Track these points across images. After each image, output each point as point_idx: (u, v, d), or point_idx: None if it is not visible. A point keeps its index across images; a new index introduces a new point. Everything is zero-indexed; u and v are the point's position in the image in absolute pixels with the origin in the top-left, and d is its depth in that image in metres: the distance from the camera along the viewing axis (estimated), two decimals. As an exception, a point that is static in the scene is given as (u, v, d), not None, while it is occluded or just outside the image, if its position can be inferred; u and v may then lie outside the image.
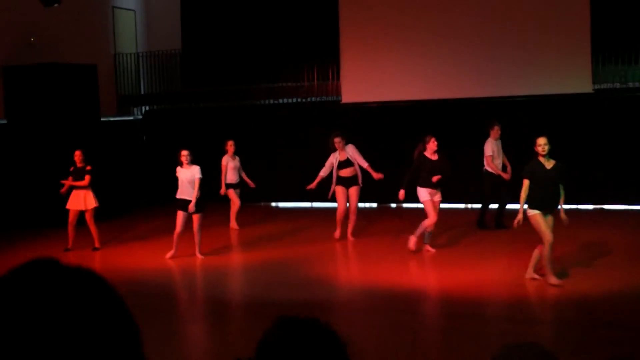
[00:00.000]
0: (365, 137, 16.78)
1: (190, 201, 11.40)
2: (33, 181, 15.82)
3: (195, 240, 11.50)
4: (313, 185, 12.62)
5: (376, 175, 12.32)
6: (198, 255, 11.53)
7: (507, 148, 15.71)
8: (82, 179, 12.63)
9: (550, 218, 9.14)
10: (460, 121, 16.60)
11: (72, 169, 12.83)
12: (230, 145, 14.29)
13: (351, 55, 17.22)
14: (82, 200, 12.64)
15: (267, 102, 19.28)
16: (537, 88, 15.84)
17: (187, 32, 20.06)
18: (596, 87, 15.87)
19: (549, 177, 9.20)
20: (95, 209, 12.71)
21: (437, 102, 16.58)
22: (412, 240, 11.34)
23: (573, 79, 15.61)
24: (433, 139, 11.36)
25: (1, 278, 1.28)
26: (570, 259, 10.80)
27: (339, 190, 12.48)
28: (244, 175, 14.30)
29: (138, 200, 18.26)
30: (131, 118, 20.37)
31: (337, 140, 12.41)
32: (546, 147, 9.21)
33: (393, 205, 17.06)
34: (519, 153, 15.92)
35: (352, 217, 12.61)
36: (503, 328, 7.92)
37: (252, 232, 14.18)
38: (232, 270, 11.41)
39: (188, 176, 11.54)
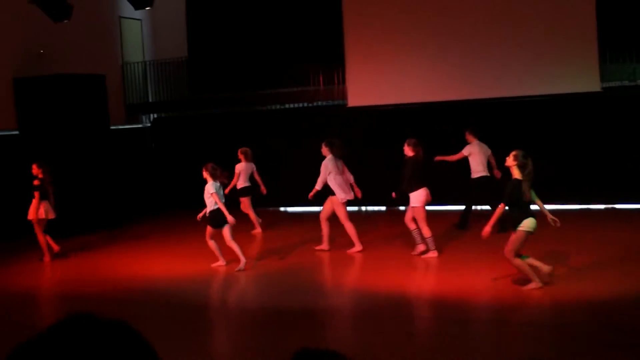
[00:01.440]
0: (372, 140, 16.88)
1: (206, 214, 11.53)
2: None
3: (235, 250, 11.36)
4: (310, 195, 12.44)
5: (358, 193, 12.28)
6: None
7: (514, 148, 15.68)
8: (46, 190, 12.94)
9: None
10: (467, 123, 16.61)
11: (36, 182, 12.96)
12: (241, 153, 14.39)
13: (356, 59, 17.27)
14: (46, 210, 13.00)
15: (273, 107, 19.35)
16: (545, 87, 15.84)
17: (193, 40, 20.17)
18: (604, 85, 15.84)
19: None
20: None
21: (444, 104, 16.60)
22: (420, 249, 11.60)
23: (581, 77, 15.60)
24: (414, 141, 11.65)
25: (40, 335, 1.33)
26: (578, 259, 10.79)
27: (327, 202, 12.41)
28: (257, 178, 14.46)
29: (147, 207, 18.35)
30: (140, 126, 20.50)
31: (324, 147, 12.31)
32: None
33: (402, 208, 17.07)
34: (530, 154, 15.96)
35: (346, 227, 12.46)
36: (512, 331, 7.92)
37: (262, 237, 14.25)
38: (246, 276, 11.45)
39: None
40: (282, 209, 18.21)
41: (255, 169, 14.40)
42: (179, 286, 10.79)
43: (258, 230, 14.50)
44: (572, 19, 15.62)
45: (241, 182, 14.24)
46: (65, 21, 12.47)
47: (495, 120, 16.29)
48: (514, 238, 8.97)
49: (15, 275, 12.15)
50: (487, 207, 13.12)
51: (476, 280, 9.87)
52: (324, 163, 12.16)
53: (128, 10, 17.67)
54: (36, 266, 12.83)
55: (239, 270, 11.24)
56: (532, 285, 9.04)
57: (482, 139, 13.56)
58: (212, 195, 11.25)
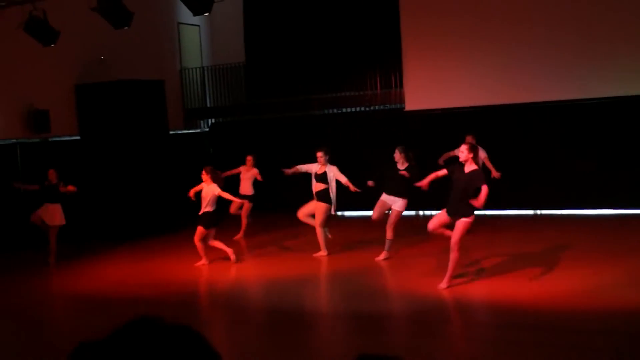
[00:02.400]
0: (429, 144, 16.75)
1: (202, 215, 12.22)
2: (107, 194, 16.29)
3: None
4: (289, 171, 12.77)
5: (353, 189, 12.28)
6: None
7: (580, 150, 15.53)
8: (57, 195, 13.24)
9: None
10: (526, 126, 16.43)
11: (46, 183, 13.36)
12: (249, 159, 15.10)
13: (414, 63, 17.19)
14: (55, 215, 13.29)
15: (330, 111, 19.40)
16: (601, 90, 15.53)
17: (250, 45, 20.34)
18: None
19: None
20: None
21: (502, 107, 16.43)
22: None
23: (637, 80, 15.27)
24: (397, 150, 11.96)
25: (106, 338, 1.35)
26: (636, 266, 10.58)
27: (310, 203, 12.58)
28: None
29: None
30: (198, 131, 20.75)
31: (319, 154, 12.39)
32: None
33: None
34: (584, 156, 15.71)
35: (317, 232, 12.59)
36: (569, 339, 7.79)
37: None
38: (301, 279, 11.49)
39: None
40: (339, 213, 18.22)
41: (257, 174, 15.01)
42: (239, 290, 10.89)
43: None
44: (630, 23, 15.28)
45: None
46: (126, 28, 12.67)
47: (551, 124, 16.07)
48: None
49: (78, 277, 12.41)
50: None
51: (515, 283, 9.74)
52: (337, 170, 12.47)
53: (186, 16, 17.92)
54: (95, 268, 13.07)
55: (236, 261, 12.24)
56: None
57: (540, 142, 13.39)
58: (220, 194, 11.96)
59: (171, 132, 18.13)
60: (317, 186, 12.45)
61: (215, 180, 12.16)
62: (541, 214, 16.36)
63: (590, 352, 7.16)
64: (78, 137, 16.90)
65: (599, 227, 14.19)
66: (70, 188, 13.31)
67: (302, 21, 19.45)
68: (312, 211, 12.53)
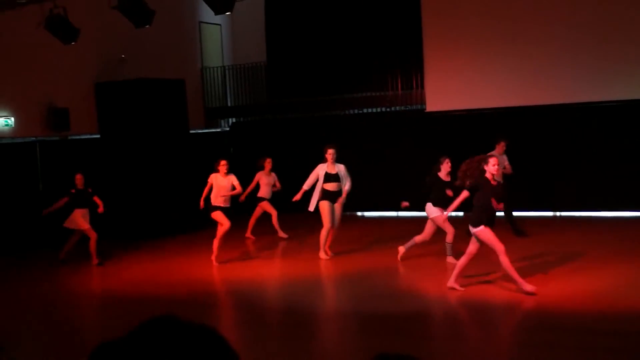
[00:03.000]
0: (451, 145, 16.59)
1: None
2: (127, 193, 16.28)
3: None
4: (297, 196, 12.52)
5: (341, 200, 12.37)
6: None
7: (592, 153, 15.36)
8: (86, 200, 13.21)
9: None
10: (546, 128, 16.26)
11: (73, 191, 13.20)
12: (268, 163, 15.05)
13: (435, 63, 17.06)
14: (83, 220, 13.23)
15: (351, 112, 19.30)
16: (625, 93, 15.32)
17: (271, 44, 20.28)
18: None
19: None
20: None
21: (523, 108, 16.28)
22: (401, 251, 11.81)
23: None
24: (447, 161, 11.48)
25: (126, 337, 1.34)
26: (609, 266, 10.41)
27: (325, 206, 12.27)
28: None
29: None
30: (219, 130, 20.73)
31: (331, 151, 12.23)
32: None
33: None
34: (606, 158, 15.50)
35: (334, 232, 12.50)
36: (585, 340, 7.65)
37: (338, 240, 14.18)
38: (319, 280, 11.41)
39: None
40: (359, 213, 18.13)
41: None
42: (257, 289, 10.83)
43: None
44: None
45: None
46: (147, 26, 12.64)
47: (573, 126, 15.89)
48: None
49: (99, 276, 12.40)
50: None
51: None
52: (346, 169, 12.45)
53: (208, 15, 17.87)
54: (110, 269, 13.06)
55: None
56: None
57: (559, 143, 13.19)
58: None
59: (192, 132, 18.11)
60: (331, 186, 12.31)
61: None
62: (561, 216, 16.17)
63: (602, 352, 7.05)
64: (98, 136, 16.93)
65: (619, 229, 13.99)
66: (99, 202, 13.30)
67: (324, 21, 19.36)
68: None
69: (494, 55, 16.37)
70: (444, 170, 11.43)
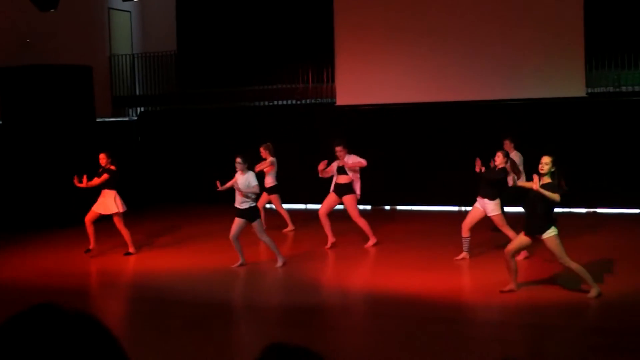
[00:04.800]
0: (360, 140, 16.84)
1: (241, 209, 10.91)
2: (30, 182, 15.85)
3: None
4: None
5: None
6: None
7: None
8: (112, 181, 12.30)
9: None
10: (454, 124, 16.66)
11: (100, 170, 12.47)
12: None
13: (346, 58, 17.27)
14: (110, 204, 12.31)
15: (262, 104, 19.32)
16: (530, 91, 15.90)
17: (182, 33, 20.09)
18: (589, 90, 15.93)
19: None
20: (122, 214, 12.35)
21: (432, 104, 16.64)
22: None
23: (566, 82, 15.67)
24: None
25: (3, 324, 1.31)
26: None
27: (329, 196, 12.42)
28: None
29: (132, 201, 18.22)
30: (126, 119, 20.41)
31: (338, 149, 12.20)
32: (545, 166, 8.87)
33: (387, 207, 17.14)
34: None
35: (360, 225, 12.37)
36: (491, 332, 7.95)
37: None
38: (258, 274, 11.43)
39: (243, 183, 10.87)
40: (267, 206, 18.16)
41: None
42: (156, 281, 10.77)
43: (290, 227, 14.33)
44: (560, 26, 15.67)
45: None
46: (52, 11, 12.34)
47: (480, 123, 16.33)
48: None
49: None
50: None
51: (460, 280, 9.90)
52: (355, 157, 12.25)
53: (117, 1, 17.58)
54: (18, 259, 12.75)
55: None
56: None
57: (467, 140, 13.53)
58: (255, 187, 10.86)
59: (98, 120, 17.76)
60: (340, 179, 12.27)
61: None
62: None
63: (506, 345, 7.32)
64: (0, 122, 16.42)
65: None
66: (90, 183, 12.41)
67: (236, 11, 19.30)
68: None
69: (405, 50, 16.68)
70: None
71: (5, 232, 14.98)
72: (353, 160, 12.19)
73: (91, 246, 12.51)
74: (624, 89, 15.92)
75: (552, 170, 8.72)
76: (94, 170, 12.64)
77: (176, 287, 10.50)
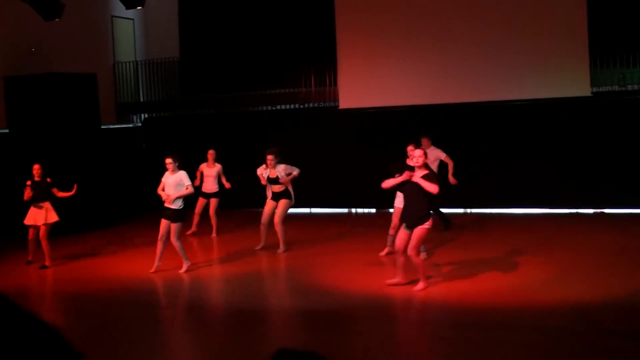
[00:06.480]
0: (363, 143, 16.90)
1: (170, 209, 11.07)
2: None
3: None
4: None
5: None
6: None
7: (504, 152, 15.85)
8: (45, 192, 12.43)
9: None
10: (458, 126, 16.63)
11: (29, 182, 12.52)
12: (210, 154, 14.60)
13: (348, 61, 17.27)
14: (43, 215, 12.39)
15: (265, 108, 19.33)
16: (535, 92, 15.88)
17: (185, 40, 20.12)
18: (595, 90, 15.89)
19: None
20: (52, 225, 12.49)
21: (435, 106, 16.62)
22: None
23: (571, 82, 15.63)
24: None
25: None
26: (569, 264, 10.81)
27: (268, 204, 12.61)
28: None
29: (137, 207, 18.28)
30: (131, 126, 20.44)
31: (269, 157, 12.32)
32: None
33: (391, 210, 17.11)
34: (517, 157, 15.99)
35: (277, 228, 12.50)
36: (500, 335, 7.92)
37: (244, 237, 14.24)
38: (224, 278, 11.42)
39: (172, 182, 11.17)
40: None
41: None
42: (162, 287, 10.76)
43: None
44: (564, 25, 15.65)
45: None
46: (57, 20, 12.38)
47: (485, 125, 16.32)
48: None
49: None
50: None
51: (472, 285, 9.87)
52: (286, 167, 12.52)
53: (120, 9, 17.61)
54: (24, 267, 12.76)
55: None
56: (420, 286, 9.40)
57: (471, 142, 13.51)
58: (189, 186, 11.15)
59: (103, 127, 17.80)
60: (275, 188, 12.53)
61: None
62: (471, 213, 16.59)
63: (512, 347, 7.29)
64: (7, 131, 16.46)
65: (532, 226, 14.40)
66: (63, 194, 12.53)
67: (238, 17, 19.33)
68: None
69: (408, 53, 16.68)
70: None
71: (13, 238, 14.99)
72: (286, 177, 12.36)
73: (30, 258, 12.61)
74: (629, 87, 15.87)
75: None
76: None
77: (193, 291, 10.47)
